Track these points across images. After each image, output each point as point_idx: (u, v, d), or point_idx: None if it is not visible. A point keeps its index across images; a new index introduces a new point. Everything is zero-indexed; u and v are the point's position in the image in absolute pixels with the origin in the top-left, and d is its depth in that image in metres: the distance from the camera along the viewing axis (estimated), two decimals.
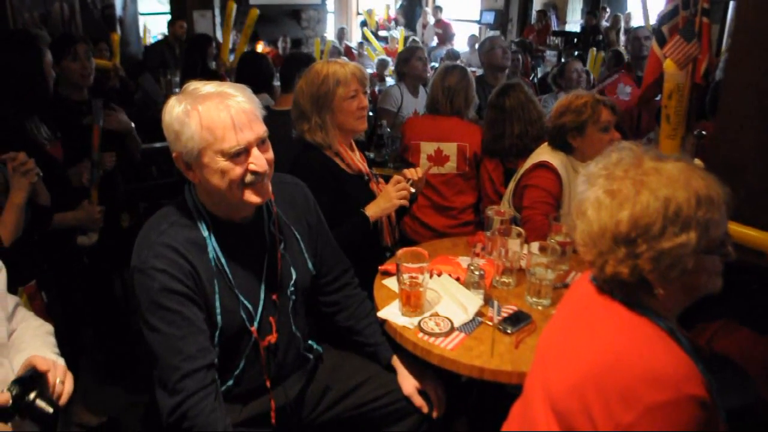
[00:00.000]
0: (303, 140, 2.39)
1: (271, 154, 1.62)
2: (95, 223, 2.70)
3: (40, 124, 2.72)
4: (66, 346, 1.73)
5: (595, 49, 6.34)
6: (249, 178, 1.56)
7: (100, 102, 2.81)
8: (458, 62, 7.64)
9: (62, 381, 1.46)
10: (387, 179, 2.46)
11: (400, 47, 7.16)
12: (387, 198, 2.31)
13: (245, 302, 1.68)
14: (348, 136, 2.45)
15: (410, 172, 2.35)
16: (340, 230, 2.17)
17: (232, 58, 6.54)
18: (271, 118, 1.69)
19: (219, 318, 1.63)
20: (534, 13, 11.38)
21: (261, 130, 1.58)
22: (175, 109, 1.54)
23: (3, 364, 1.50)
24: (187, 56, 5.73)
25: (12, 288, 2.09)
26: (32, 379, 1.38)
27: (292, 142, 2.48)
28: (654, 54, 2.99)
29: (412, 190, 2.32)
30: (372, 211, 2.30)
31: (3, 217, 2.14)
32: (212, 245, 1.63)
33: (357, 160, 2.46)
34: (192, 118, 1.51)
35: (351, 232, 2.26)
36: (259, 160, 1.57)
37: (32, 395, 1.35)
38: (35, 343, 1.60)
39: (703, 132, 3.13)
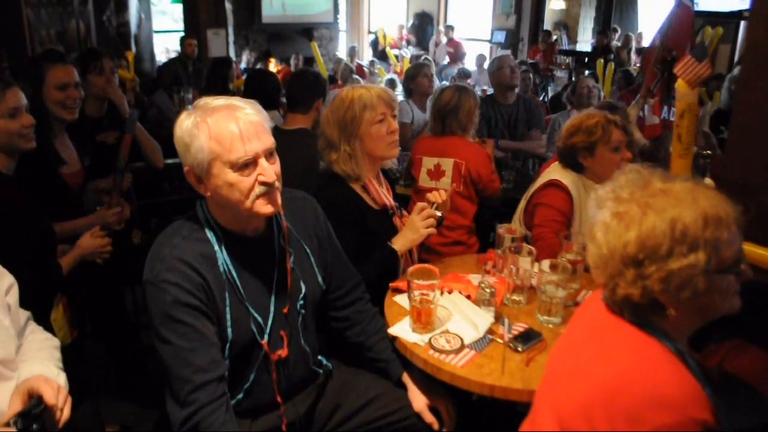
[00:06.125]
0: (330, 171, 2.32)
1: (278, 167, 1.64)
2: (111, 225, 2.54)
3: (69, 144, 2.75)
4: (79, 361, 1.74)
5: (602, 60, 6.30)
6: (258, 189, 1.58)
7: (136, 112, 2.80)
8: (467, 81, 7.73)
9: (62, 408, 1.48)
10: (398, 197, 2.43)
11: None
12: (413, 229, 2.23)
13: (255, 315, 1.68)
14: (377, 164, 2.37)
15: (434, 196, 2.27)
16: (368, 265, 2.15)
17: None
18: (278, 137, 1.70)
19: (229, 331, 1.63)
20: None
21: (269, 141, 1.60)
22: (185, 123, 1.57)
23: (11, 378, 1.52)
24: (208, 77, 5.83)
25: (48, 300, 2.13)
26: (37, 416, 1.40)
27: (300, 162, 2.47)
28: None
29: (438, 214, 2.24)
30: (399, 243, 2.23)
31: (65, 258, 2.26)
32: (223, 258, 1.64)
33: (383, 194, 2.38)
34: (201, 130, 1.54)
35: (379, 267, 2.20)
36: (268, 171, 1.58)
37: (35, 426, 1.38)
38: (40, 355, 1.63)
39: (708, 152, 3.13)
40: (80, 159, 2.79)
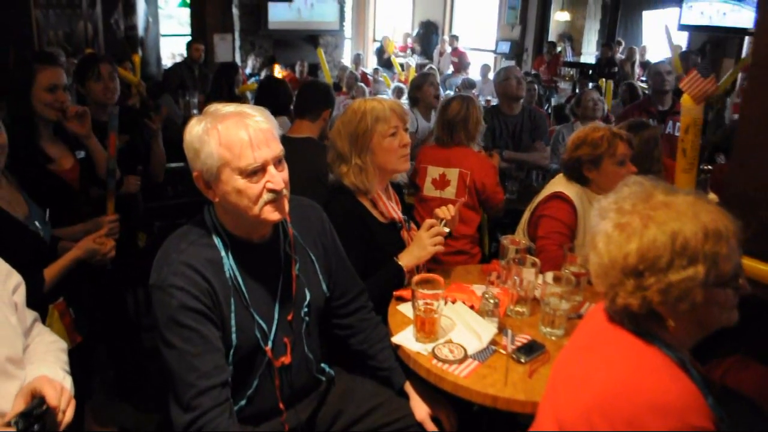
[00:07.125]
0: (338, 184, 2.30)
1: (287, 174, 1.65)
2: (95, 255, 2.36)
3: (58, 141, 2.76)
4: (82, 363, 1.74)
5: (604, 79, 6.34)
6: (267, 196, 1.59)
7: (116, 109, 2.80)
8: (472, 92, 7.75)
9: (64, 410, 1.48)
10: (406, 208, 2.40)
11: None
12: (421, 246, 2.22)
13: (260, 321, 1.69)
14: (387, 177, 2.35)
15: (442, 212, 2.26)
16: (374, 281, 2.14)
17: (251, 81, 6.65)
18: (286, 145, 1.70)
19: (234, 336, 1.64)
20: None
21: (278, 149, 1.62)
22: (195, 128, 1.59)
23: (17, 377, 1.52)
24: (214, 81, 5.87)
25: (44, 306, 2.12)
26: (39, 417, 1.40)
27: (307, 170, 2.44)
28: None
29: (446, 230, 2.23)
30: (406, 260, 2.22)
31: (56, 264, 2.20)
32: (229, 264, 1.65)
33: (391, 208, 2.36)
34: (211, 136, 1.56)
35: (385, 284, 2.18)
36: (276, 178, 1.60)
37: (36, 427, 1.38)
38: (47, 358, 1.63)
39: (709, 167, 3.15)
40: (72, 153, 2.80)
